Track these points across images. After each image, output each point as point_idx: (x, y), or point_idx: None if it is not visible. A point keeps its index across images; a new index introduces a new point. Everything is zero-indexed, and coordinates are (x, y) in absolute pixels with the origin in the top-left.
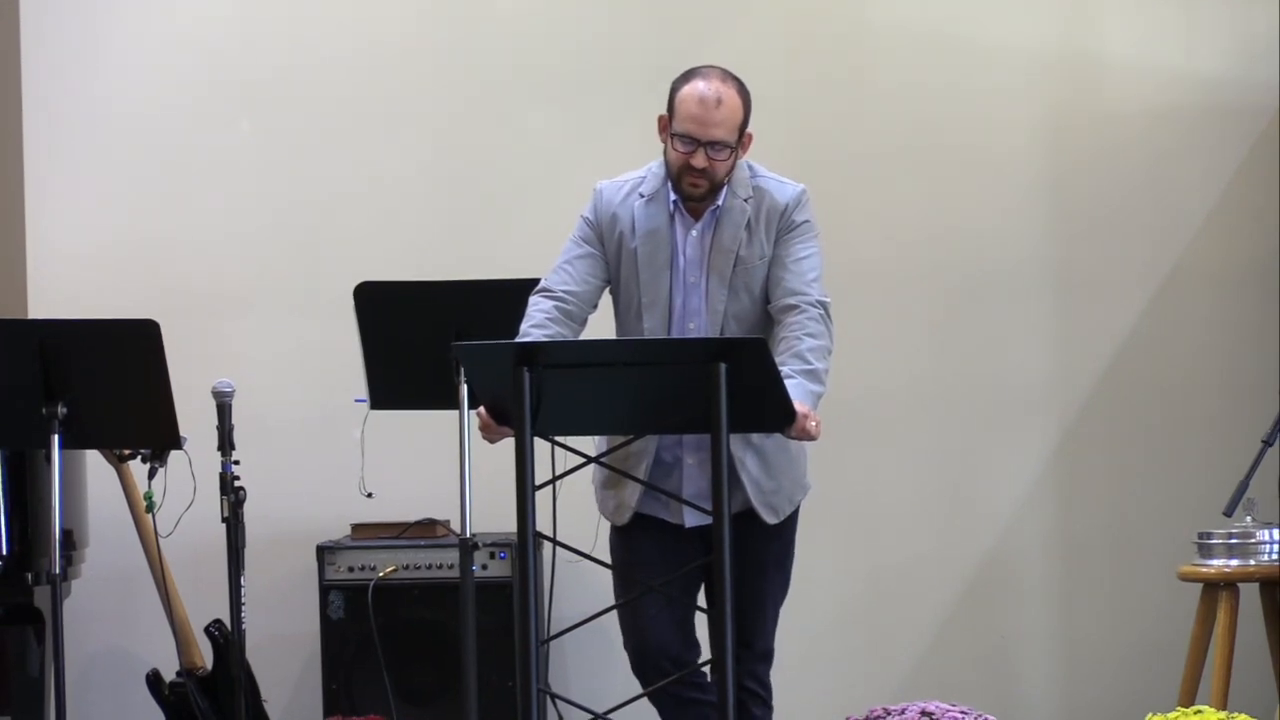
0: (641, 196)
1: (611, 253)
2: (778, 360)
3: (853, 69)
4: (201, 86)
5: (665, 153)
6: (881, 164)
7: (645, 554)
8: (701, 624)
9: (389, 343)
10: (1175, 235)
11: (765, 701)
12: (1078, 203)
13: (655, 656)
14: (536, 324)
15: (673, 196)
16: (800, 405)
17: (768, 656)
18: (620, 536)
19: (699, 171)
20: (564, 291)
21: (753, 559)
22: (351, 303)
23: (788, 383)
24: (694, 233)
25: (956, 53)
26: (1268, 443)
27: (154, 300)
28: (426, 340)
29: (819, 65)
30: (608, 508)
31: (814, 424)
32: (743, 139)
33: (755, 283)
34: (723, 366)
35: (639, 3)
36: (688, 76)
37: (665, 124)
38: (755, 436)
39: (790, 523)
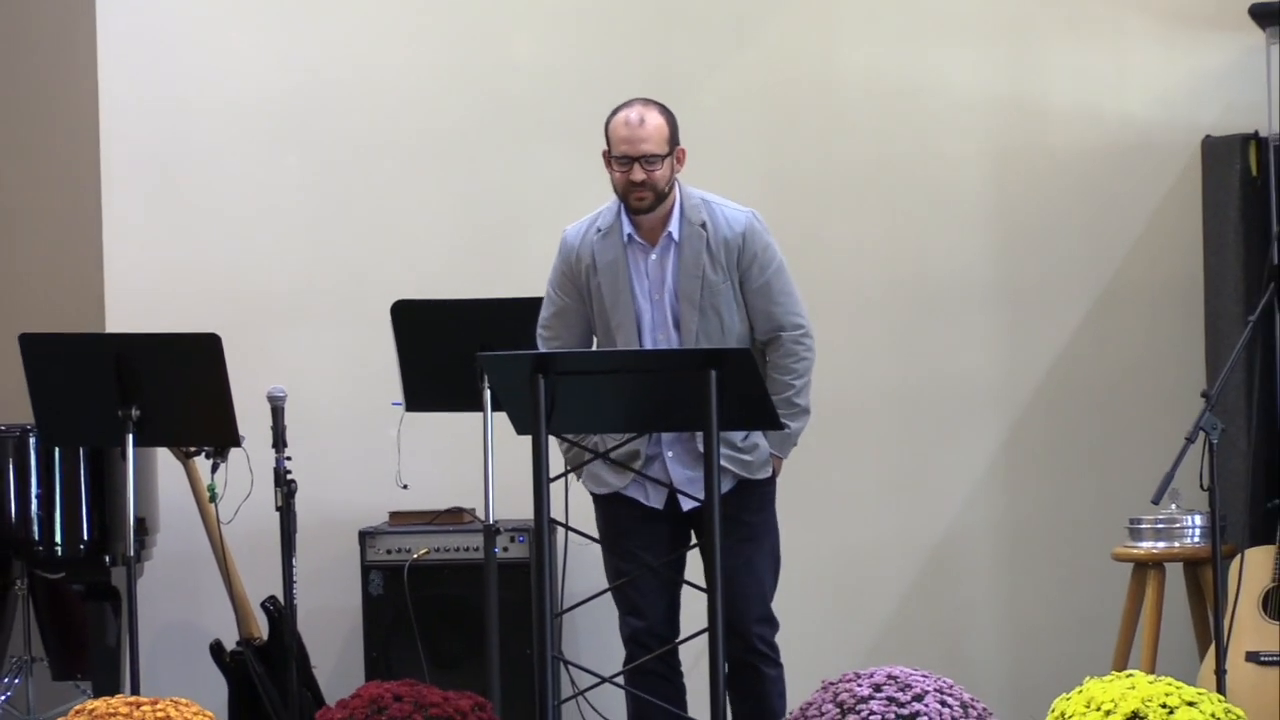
0: (599, 232)
1: (583, 288)
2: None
3: (824, 111)
4: (257, 127)
5: (611, 181)
6: (849, 194)
7: (626, 524)
8: (690, 602)
9: (422, 353)
10: (1108, 257)
11: (774, 661)
12: (1021, 228)
13: (641, 634)
14: None
15: (626, 230)
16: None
17: (769, 620)
18: (603, 510)
19: (639, 184)
20: (559, 347)
21: (738, 531)
22: (389, 318)
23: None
24: (653, 256)
25: (915, 96)
26: (1190, 439)
27: (216, 315)
28: (455, 351)
29: (794, 107)
30: (591, 479)
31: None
32: (674, 152)
33: (723, 305)
34: (713, 373)
35: (639, 50)
36: (615, 111)
37: (607, 157)
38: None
39: (768, 495)
